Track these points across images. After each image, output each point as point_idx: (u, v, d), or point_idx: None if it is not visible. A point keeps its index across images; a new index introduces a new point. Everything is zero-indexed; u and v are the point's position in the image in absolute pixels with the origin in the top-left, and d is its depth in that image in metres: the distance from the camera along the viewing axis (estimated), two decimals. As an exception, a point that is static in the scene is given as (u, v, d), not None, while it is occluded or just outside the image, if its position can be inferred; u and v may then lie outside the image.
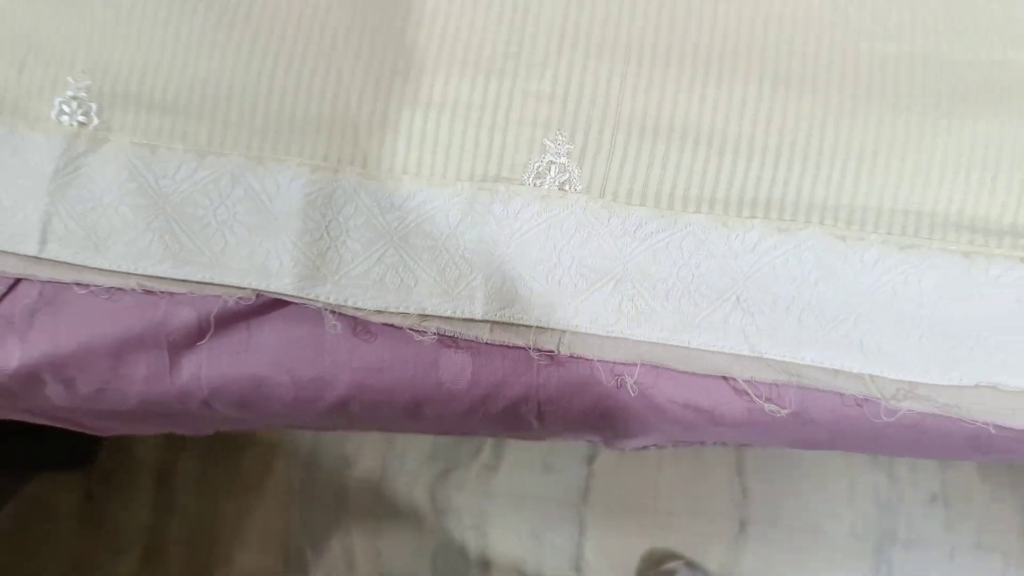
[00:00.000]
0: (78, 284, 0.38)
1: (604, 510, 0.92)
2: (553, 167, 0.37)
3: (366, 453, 0.95)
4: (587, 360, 0.37)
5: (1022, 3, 0.38)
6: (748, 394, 0.37)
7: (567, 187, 0.37)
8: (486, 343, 0.37)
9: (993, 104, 0.37)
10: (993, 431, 0.36)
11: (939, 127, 0.37)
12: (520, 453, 0.93)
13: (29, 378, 0.38)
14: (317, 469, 0.95)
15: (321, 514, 0.95)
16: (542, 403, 0.38)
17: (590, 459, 0.93)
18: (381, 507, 0.94)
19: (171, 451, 0.97)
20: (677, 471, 0.92)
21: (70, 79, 0.39)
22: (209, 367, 0.38)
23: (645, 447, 0.52)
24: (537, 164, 0.37)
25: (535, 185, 0.37)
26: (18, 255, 0.38)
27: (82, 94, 0.39)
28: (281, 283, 0.37)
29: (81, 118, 0.39)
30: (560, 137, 0.37)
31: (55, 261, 0.38)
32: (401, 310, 0.37)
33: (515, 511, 0.93)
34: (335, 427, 0.46)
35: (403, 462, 0.94)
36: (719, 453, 0.92)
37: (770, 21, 0.38)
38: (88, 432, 0.48)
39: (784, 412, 0.36)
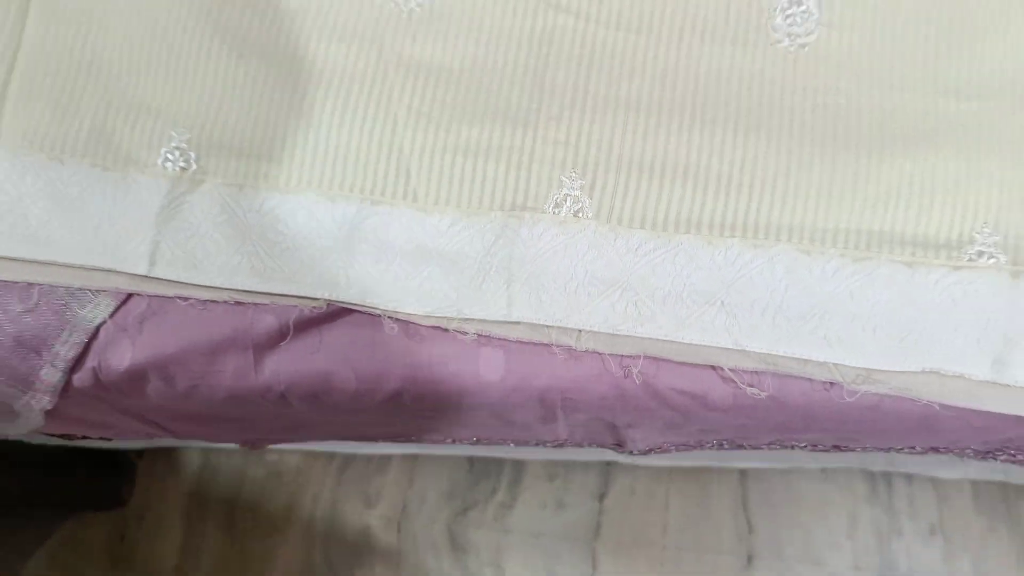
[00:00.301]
0: (180, 297, 0.46)
1: (615, 545, 0.97)
2: (569, 199, 0.46)
3: (387, 492, 1.00)
4: (600, 354, 0.45)
5: (946, 58, 0.47)
6: (734, 381, 0.44)
7: (580, 214, 0.46)
8: (516, 341, 0.45)
9: (924, 145, 0.46)
10: (939, 409, 0.44)
11: (882, 164, 0.45)
12: (534, 492, 0.98)
13: (137, 375, 0.46)
14: (340, 509, 1.00)
15: (345, 553, 0.99)
16: (564, 391, 0.46)
17: (601, 496, 0.98)
18: (403, 545, 0.98)
19: (200, 493, 1.01)
20: (684, 507, 0.97)
21: (173, 133, 0.48)
22: (287, 364, 0.46)
23: (651, 450, 0.60)
24: (556, 196, 0.46)
25: (554, 213, 0.46)
26: (131, 275, 0.47)
27: (183, 145, 0.48)
28: (348, 294, 0.46)
29: (182, 164, 0.48)
30: (574, 174, 0.46)
31: (161, 279, 0.47)
32: (447, 315, 0.45)
33: (530, 547, 0.97)
34: (384, 428, 0.54)
35: (423, 501, 0.99)
36: (724, 488, 0.96)
37: (743, 79, 0.47)
38: (167, 435, 0.55)
39: (763, 394, 0.44)
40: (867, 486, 0.94)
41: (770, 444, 0.57)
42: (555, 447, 0.62)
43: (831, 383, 0.44)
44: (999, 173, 0.45)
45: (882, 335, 0.44)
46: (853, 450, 0.59)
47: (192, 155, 0.48)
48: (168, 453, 1.02)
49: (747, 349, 0.44)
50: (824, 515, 0.94)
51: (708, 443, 0.58)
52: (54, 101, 0.49)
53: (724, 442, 0.56)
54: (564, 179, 0.46)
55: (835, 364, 0.44)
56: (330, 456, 1.00)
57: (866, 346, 0.44)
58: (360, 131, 0.47)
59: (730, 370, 0.44)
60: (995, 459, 0.57)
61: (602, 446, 0.61)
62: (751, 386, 0.44)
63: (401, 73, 0.48)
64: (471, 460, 0.99)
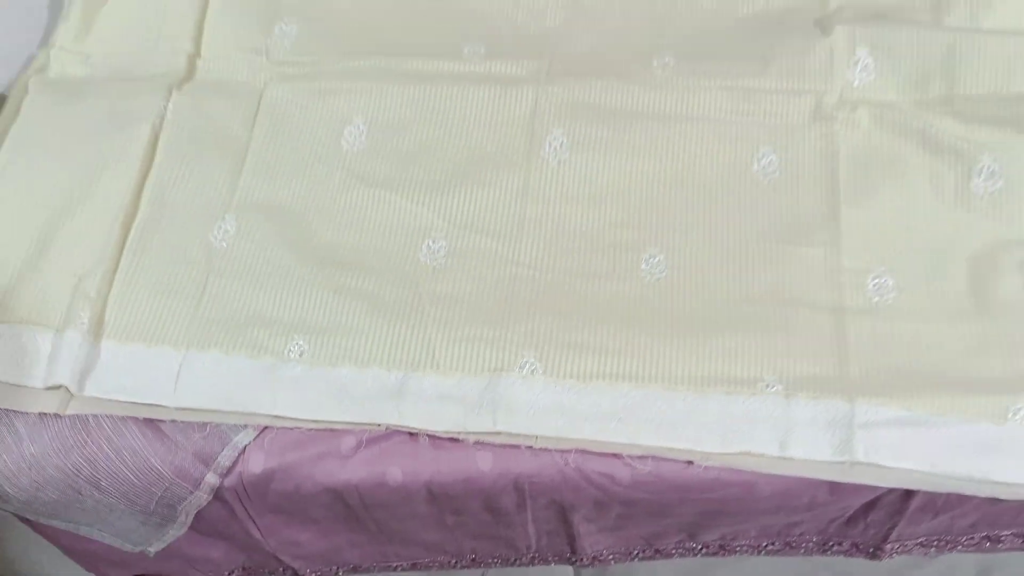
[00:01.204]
0: (296, 428, 0.78)
1: None
2: (528, 364, 0.79)
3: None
4: (550, 451, 0.75)
5: (749, 282, 0.83)
6: (630, 464, 0.74)
7: (535, 372, 0.78)
8: (499, 444, 0.76)
9: (737, 329, 0.79)
10: (756, 479, 0.73)
11: (715, 340, 0.79)
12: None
13: (266, 476, 0.76)
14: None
15: None
16: (529, 476, 0.75)
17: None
18: None
19: None
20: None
21: (295, 336, 0.82)
22: (359, 465, 0.76)
23: (595, 558, 0.86)
24: (520, 362, 0.79)
25: (519, 371, 0.78)
26: (267, 415, 0.78)
27: (301, 344, 0.82)
28: (398, 422, 0.77)
29: (299, 351, 0.81)
30: (532, 350, 0.79)
31: (284, 416, 0.78)
32: (457, 430, 0.76)
33: None
34: (423, 530, 0.81)
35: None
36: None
37: (624, 299, 0.83)
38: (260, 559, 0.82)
39: (646, 469, 0.73)
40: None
41: (680, 544, 0.84)
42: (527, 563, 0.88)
43: (689, 462, 0.74)
44: (777, 341, 0.79)
45: (715, 432, 0.75)
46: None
47: (306, 347, 0.81)
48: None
49: (637, 443, 0.75)
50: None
51: (637, 551, 0.85)
52: (225, 323, 0.83)
53: (654, 550, 0.83)
54: (525, 353, 0.80)
55: (690, 449, 0.74)
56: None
57: (707, 439, 0.75)
58: (407, 330, 0.81)
59: (627, 456, 0.75)
60: (831, 551, 0.84)
61: (560, 559, 0.87)
62: (639, 465, 0.74)
63: (427, 299, 0.83)
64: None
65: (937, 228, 0.84)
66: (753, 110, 0.90)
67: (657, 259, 0.84)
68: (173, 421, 0.79)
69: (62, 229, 0.87)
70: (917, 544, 0.87)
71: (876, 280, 0.81)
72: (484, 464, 0.76)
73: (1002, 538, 0.85)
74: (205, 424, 0.78)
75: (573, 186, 0.88)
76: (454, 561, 0.93)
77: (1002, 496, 0.73)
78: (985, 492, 0.73)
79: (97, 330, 0.82)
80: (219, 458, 0.77)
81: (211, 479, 0.77)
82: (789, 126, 0.89)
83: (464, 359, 0.80)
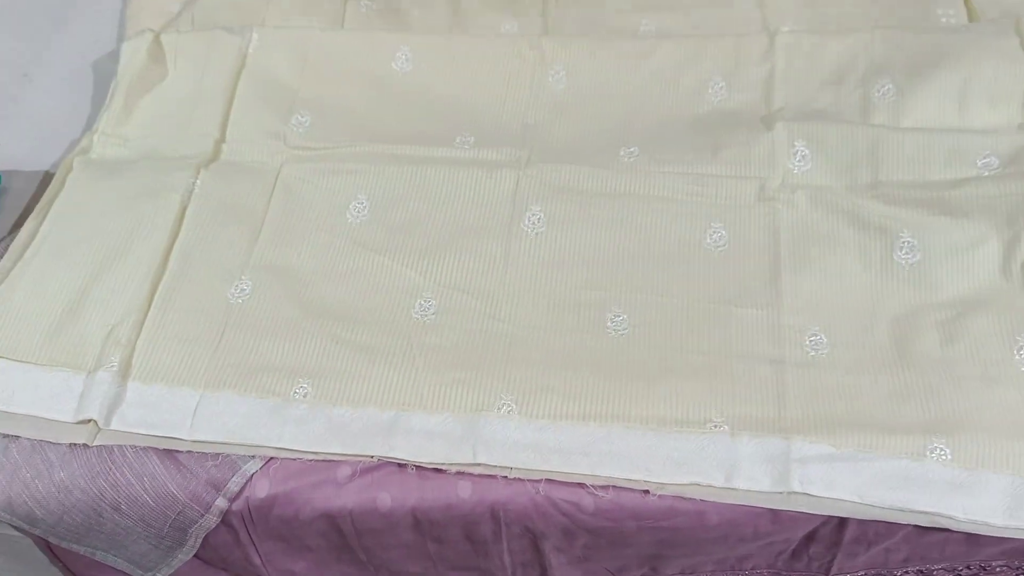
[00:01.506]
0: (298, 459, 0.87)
1: None
2: (504, 405, 0.89)
3: None
4: (523, 480, 0.85)
5: (696, 337, 0.95)
6: (593, 492, 0.84)
7: (511, 413, 0.89)
8: (478, 475, 0.85)
9: (684, 376, 0.91)
10: (708, 510, 0.83)
11: (663, 386, 0.90)
12: None
13: (269, 501, 0.85)
14: None
15: None
16: (504, 504, 0.85)
17: None
18: None
19: None
20: None
21: (300, 379, 0.93)
22: (353, 493, 0.85)
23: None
24: (498, 404, 0.89)
25: (497, 411, 0.89)
26: (274, 447, 0.88)
27: (306, 387, 0.93)
28: (389, 454, 0.87)
29: (303, 393, 0.92)
30: (508, 394, 0.90)
31: (288, 448, 0.88)
32: (441, 462, 0.86)
33: None
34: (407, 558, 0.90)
35: None
36: None
37: (590, 353, 0.94)
38: None
39: (607, 496, 0.83)
40: None
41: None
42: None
43: (646, 491, 0.84)
44: (724, 387, 0.90)
45: (668, 464, 0.85)
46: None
47: (310, 390, 0.92)
48: None
49: (599, 474, 0.85)
50: None
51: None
52: (238, 367, 0.94)
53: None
54: (503, 396, 0.90)
55: (645, 480, 0.84)
56: None
57: (661, 470, 0.84)
58: (398, 376, 0.92)
59: (591, 486, 0.84)
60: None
61: None
62: (601, 494, 0.84)
63: (418, 349, 0.95)
64: None
65: (865, 293, 0.96)
66: (706, 192, 1.04)
67: (621, 317, 0.96)
68: (189, 452, 0.88)
69: (98, 285, 0.99)
70: (857, 579, 0.95)
71: (812, 337, 0.93)
72: (464, 492, 0.86)
73: (934, 572, 0.94)
74: (218, 455, 0.88)
75: (548, 254, 1.01)
76: (436, 595, 1.00)
77: (922, 523, 0.82)
78: (906, 520, 0.82)
79: (125, 372, 0.93)
80: (229, 484, 0.86)
81: (221, 503, 0.86)
82: (737, 206, 1.03)
83: (449, 400, 0.91)
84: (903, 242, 0.97)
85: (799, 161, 1.05)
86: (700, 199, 1.04)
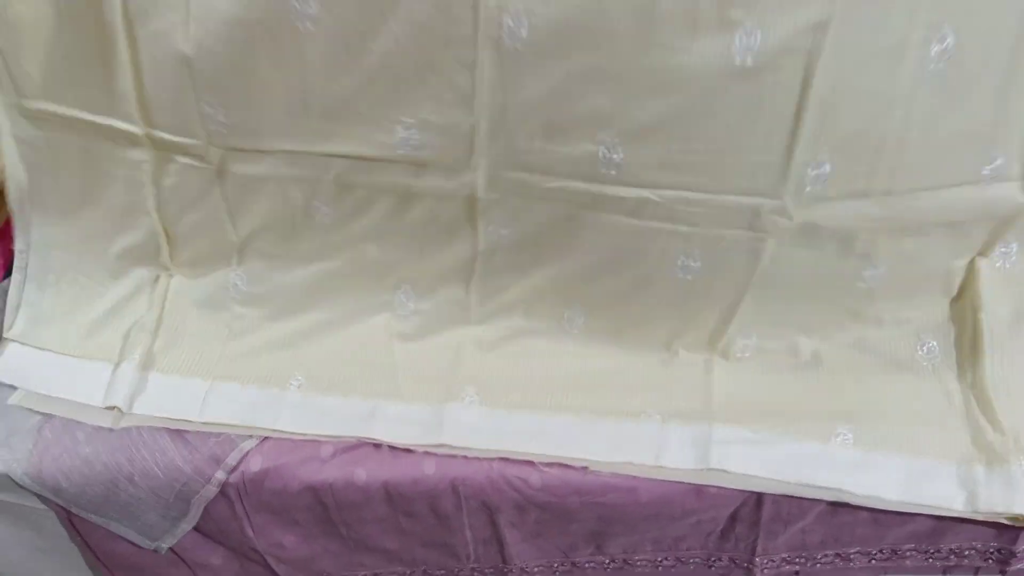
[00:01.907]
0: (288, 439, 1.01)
1: None
2: (468, 396, 1.03)
3: None
4: (479, 459, 0.98)
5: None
6: (540, 469, 0.97)
7: (474, 404, 1.03)
8: (443, 454, 0.99)
9: (635, 375, 1.04)
10: (640, 487, 0.95)
11: (610, 382, 1.04)
12: None
13: (262, 474, 0.99)
14: None
15: None
16: (464, 479, 0.98)
17: None
18: None
19: None
20: None
21: (296, 373, 1.08)
22: (333, 468, 0.99)
23: (528, 570, 1.06)
24: (464, 395, 1.03)
25: (462, 400, 1.03)
26: (269, 428, 1.02)
27: (300, 378, 1.07)
28: (368, 434, 1.00)
29: (297, 384, 1.06)
30: (474, 387, 1.04)
31: (281, 430, 1.02)
32: (411, 442, 0.99)
33: None
34: (384, 534, 1.03)
35: None
36: None
37: (567, 375, 1.08)
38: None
39: (552, 471, 0.96)
40: None
41: (592, 557, 1.05)
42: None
43: (585, 468, 0.97)
44: (662, 387, 1.03)
45: (606, 446, 0.98)
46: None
47: (303, 381, 1.07)
48: None
49: (545, 453, 0.98)
50: None
51: (558, 564, 1.05)
52: (242, 362, 1.09)
53: (571, 564, 1.04)
54: (468, 389, 1.04)
55: (585, 458, 0.97)
56: None
57: (599, 451, 0.97)
58: (380, 373, 1.07)
59: (538, 463, 0.97)
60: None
61: (496, 572, 1.07)
62: (547, 470, 0.97)
63: (399, 354, 1.09)
64: None
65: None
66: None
67: (578, 321, 1.10)
68: (196, 432, 1.03)
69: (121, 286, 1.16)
70: (783, 560, 1.06)
71: (744, 341, 1.07)
72: (428, 468, 0.99)
73: (851, 556, 1.04)
74: (220, 434, 1.02)
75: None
76: (408, 572, 1.12)
77: (826, 498, 0.94)
78: (812, 495, 0.94)
79: (146, 364, 1.08)
80: (228, 458, 1.00)
81: (220, 475, 1.00)
82: None
83: (422, 392, 1.05)
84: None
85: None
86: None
